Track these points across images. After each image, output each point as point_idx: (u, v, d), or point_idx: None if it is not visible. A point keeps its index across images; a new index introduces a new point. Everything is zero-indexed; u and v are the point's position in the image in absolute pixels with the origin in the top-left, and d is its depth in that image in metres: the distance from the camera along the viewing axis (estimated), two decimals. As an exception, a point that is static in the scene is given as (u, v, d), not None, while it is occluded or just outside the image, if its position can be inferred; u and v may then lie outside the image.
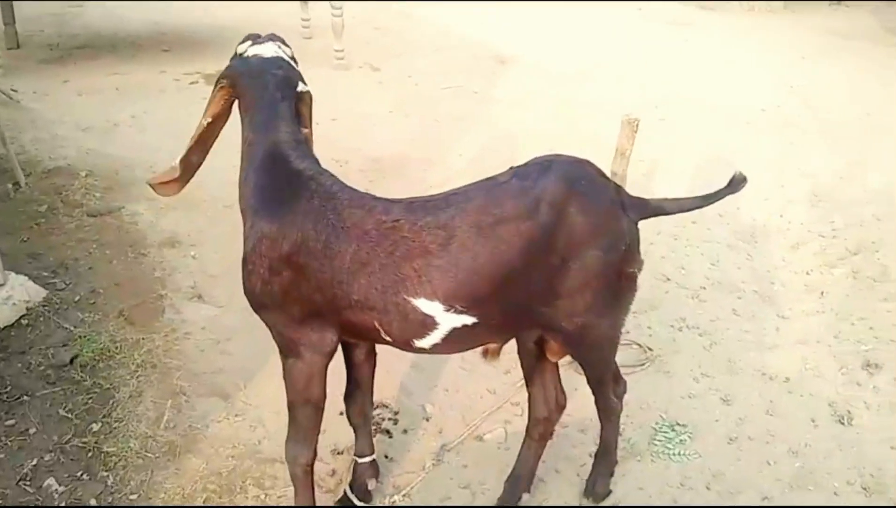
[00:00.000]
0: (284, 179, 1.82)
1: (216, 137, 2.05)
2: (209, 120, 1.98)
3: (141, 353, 2.62)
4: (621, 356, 2.71)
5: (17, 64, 5.29)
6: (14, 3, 5.56)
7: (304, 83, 1.97)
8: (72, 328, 2.72)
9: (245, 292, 1.83)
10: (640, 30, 7.56)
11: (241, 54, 2.02)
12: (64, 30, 6.32)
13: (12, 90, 4.60)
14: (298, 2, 6.25)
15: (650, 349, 2.78)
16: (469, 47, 6.38)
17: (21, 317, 2.74)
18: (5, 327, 2.70)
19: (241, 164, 1.95)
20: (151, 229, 3.38)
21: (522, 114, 5.02)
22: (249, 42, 2.02)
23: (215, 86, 1.96)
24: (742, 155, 4.47)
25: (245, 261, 1.80)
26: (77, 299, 2.87)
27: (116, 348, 2.63)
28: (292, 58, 2.03)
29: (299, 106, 1.96)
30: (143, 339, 2.69)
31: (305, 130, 1.98)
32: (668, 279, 3.27)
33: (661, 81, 5.78)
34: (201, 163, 2.10)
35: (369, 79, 5.55)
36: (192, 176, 2.11)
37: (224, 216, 3.55)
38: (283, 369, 1.86)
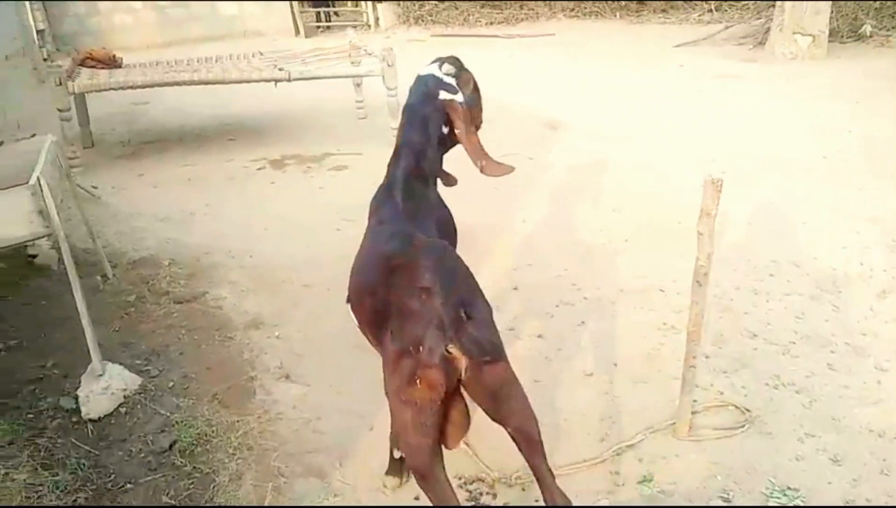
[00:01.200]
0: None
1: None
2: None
3: (237, 436, 2.65)
4: (719, 419, 2.66)
5: (93, 161, 5.58)
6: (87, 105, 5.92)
7: (450, 92, 2.41)
8: (168, 414, 2.78)
9: None
10: (687, 87, 7.62)
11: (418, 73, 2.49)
12: (133, 127, 6.68)
13: (93, 187, 4.84)
14: (353, 86, 6.49)
15: (748, 411, 2.70)
16: (520, 115, 6.50)
17: (119, 405, 2.82)
18: (106, 416, 2.78)
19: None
20: (235, 312, 3.47)
21: (578, 177, 5.07)
22: (436, 62, 2.49)
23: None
24: (809, 203, 4.42)
25: None
26: (171, 384, 2.94)
27: (213, 431, 2.67)
28: (450, 73, 2.44)
29: (447, 112, 2.40)
30: (237, 422, 2.73)
31: (456, 130, 2.41)
32: (755, 335, 3.20)
33: (714, 137, 5.78)
34: None
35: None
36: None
37: (303, 297, 3.63)
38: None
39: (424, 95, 2.42)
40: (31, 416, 2.75)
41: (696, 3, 12.54)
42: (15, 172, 3.12)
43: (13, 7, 8.95)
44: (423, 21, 12.66)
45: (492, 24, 12.59)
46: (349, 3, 13.53)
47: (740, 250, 3.88)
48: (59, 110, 5.00)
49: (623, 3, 12.82)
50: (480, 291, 2.00)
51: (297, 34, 12.31)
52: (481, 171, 2.44)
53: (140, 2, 11.45)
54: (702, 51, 9.57)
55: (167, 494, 2.45)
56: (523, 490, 2.42)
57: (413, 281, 1.83)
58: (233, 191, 4.93)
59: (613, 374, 2.98)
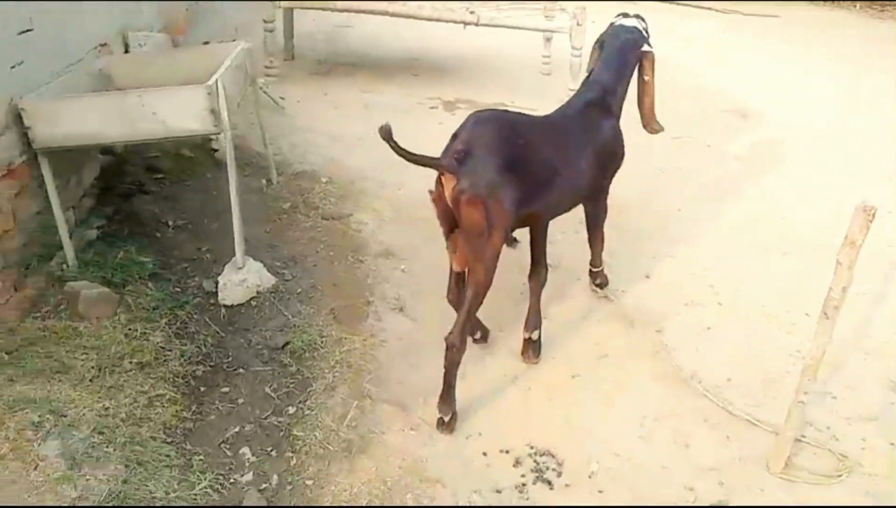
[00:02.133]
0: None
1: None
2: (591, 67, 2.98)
3: (342, 351, 2.85)
4: (822, 464, 2.46)
5: (289, 74, 6.00)
6: (294, 21, 6.32)
7: (650, 46, 2.91)
8: (289, 317, 3.03)
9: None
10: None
11: (612, 23, 2.99)
12: (332, 47, 7.06)
13: (280, 98, 5.23)
14: (543, 40, 6.40)
15: (845, 457, 2.48)
16: (712, 98, 6.12)
17: (251, 299, 3.11)
18: (238, 305, 3.09)
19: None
20: (372, 239, 3.67)
21: (754, 174, 4.73)
22: (620, 16, 3.00)
23: (595, 44, 3.00)
24: None
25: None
26: (299, 291, 3.19)
27: (322, 342, 2.89)
28: (645, 30, 2.94)
29: (643, 61, 2.90)
30: (345, 338, 2.92)
31: (646, 78, 2.90)
32: (896, 387, 2.89)
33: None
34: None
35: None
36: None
37: (437, 237, 3.72)
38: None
39: (630, 41, 2.89)
40: (177, 289, 3.11)
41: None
42: (206, 70, 3.46)
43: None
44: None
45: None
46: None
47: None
48: (265, 21, 5.40)
49: (868, -3, 11.44)
50: (496, 157, 2.43)
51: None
52: (643, 120, 3.02)
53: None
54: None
55: (270, 387, 2.70)
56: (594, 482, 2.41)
57: (457, 130, 2.57)
58: (402, 123, 4.94)
59: (724, 388, 2.83)
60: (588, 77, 2.92)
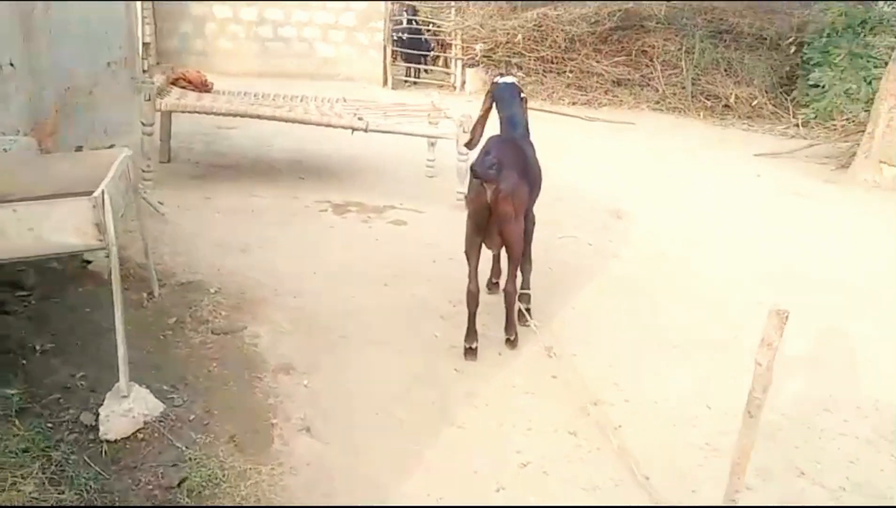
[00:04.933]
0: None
1: (484, 124, 4.05)
2: (482, 112, 4.09)
3: (247, 485, 2.58)
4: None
5: (166, 178, 5.73)
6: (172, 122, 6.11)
7: (522, 92, 4.14)
8: (184, 448, 2.72)
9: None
10: (760, 200, 7.42)
11: (495, 81, 4.15)
12: (212, 148, 6.87)
13: (159, 203, 4.96)
14: (427, 145, 6.54)
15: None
16: (587, 198, 6.43)
17: (137, 430, 2.79)
18: (122, 439, 2.75)
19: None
20: (270, 353, 3.44)
21: (635, 272, 4.94)
22: (499, 75, 4.26)
23: (486, 94, 4.12)
24: (877, 339, 4.18)
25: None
26: (192, 417, 2.90)
27: (224, 476, 2.60)
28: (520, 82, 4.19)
29: (523, 104, 4.06)
30: (250, 469, 2.65)
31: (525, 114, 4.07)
32: (803, 474, 2.98)
33: (781, 255, 5.56)
34: (480, 137, 3.99)
35: (488, 222, 5.65)
36: (476, 143, 3.96)
37: (339, 348, 3.59)
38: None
39: (517, 91, 4.07)
40: (50, 425, 2.74)
41: (783, 115, 12.36)
42: (84, 180, 3.21)
43: (125, 16, 9.42)
44: (507, 90, 12.80)
45: (574, 104, 12.63)
46: (440, 64, 13.86)
47: (796, 378, 3.67)
48: (143, 124, 5.17)
49: (710, 104, 12.73)
50: (526, 170, 3.64)
51: (384, 84, 12.60)
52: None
53: (243, 31, 11.95)
54: (782, 164, 9.35)
55: (164, 532, 2.38)
56: None
57: (485, 147, 3.59)
58: (292, 229, 4.97)
59: (644, 486, 2.81)
60: (506, 118, 3.98)
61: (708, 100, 12.77)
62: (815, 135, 11.30)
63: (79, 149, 4.63)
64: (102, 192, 2.69)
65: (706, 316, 4.33)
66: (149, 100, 5.12)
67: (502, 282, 4.04)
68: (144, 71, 9.95)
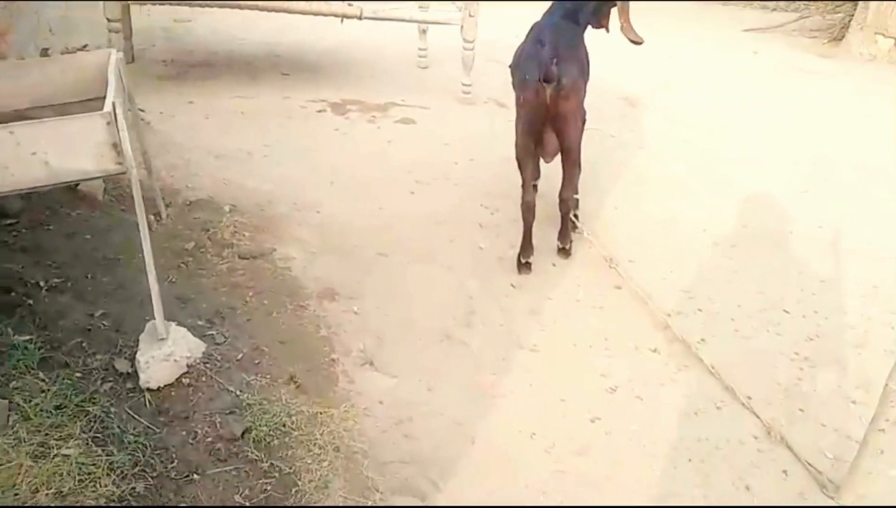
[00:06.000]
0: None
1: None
2: None
3: (321, 432, 2.28)
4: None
5: (137, 81, 5.04)
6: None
7: None
8: (237, 393, 2.39)
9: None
10: (765, 77, 7.12)
11: None
12: (175, 45, 6.13)
13: (140, 109, 4.36)
14: (418, 32, 5.95)
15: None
16: (597, 87, 5.99)
17: (182, 375, 2.43)
18: (166, 386, 2.39)
19: None
20: (306, 277, 3.06)
21: (668, 164, 4.64)
22: None
23: None
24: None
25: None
26: (239, 356, 2.55)
27: (293, 423, 2.29)
28: None
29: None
30: (320, 414, 2.35)
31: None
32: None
33: (805, 136, 5.33)
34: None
35: (499, 116, 5.21)
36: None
37: (379, 266, 3.24)
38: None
39: None
40: (79, 376, 2.36)
41: (762, -14, 11.91)
42: (73, 89, 2.69)
43: None
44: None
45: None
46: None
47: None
48: (109, 20, 4.49)
49: (685, -23, 12.17)
50: (579, 58, 3.24)
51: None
52: (620, 29, 3.49)
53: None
54: (773, 39, 9.04)
55: (240, 493, 2.08)
56: None
57: (537, 37, 3.12)
58: (293, 133, 4.47)
59: (749, 408, 2.60)
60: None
61: None
62: (797, 6, 10.99)
63: (45, 51, 3.97)
64: (114, 105, 2.20)
65: (754, 208, 4.08)
66: (112, -11, 4.42)
67: (539, 185, 3.70)
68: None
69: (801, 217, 4.01)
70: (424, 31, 6.04)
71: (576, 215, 3.64)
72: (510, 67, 3.31)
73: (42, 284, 2.76)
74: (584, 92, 3.32)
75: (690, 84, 6.52)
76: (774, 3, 11.45)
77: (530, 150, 3.21)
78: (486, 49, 6.01)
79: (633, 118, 5.47)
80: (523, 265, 3.28)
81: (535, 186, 3.85)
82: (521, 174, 3.23)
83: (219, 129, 4.38)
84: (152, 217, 3.26)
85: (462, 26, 5.06)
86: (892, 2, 8.15)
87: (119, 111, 2.24)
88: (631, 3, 3.50)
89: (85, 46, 4.24)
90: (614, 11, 3.55)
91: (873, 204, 4.25)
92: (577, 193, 3.67)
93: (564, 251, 3.43)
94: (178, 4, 4.73)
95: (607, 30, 3.57)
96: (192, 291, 2.87)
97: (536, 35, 3.16)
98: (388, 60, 6.21)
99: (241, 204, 3.49)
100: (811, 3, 10.89)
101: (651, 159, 4.73)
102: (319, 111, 4.89)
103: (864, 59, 8.15)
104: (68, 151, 2.18)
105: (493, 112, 5.27)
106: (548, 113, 3.05)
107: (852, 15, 8.57)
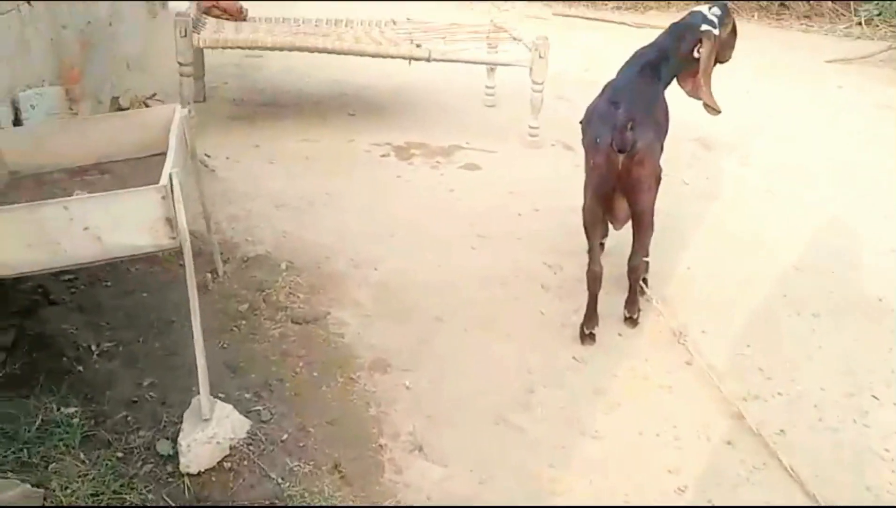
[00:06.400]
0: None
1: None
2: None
3: (362, 530, 2.15)
4: None
5: (207, 120, 5.11)
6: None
7: (710, 26, 3.16)
8: (279, 481, 2.29)
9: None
10: (851, 117, 6.67)
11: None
12: (246, 83, 6.20)
13: (206, 155, 4.39)
14: (486, 71, 5.83)
15: None
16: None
17: (224, 458, 2.35)
18: (207, 470, 2.32)
19: None
20: (360, 344, 2.96)
21: (749, 217, 4.35)
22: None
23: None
24: None
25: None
26: (284, 437, 2.45)
27: (334, 518, 2.18)
28: (717, 16, 3.21)
29: (700, 39, 3.16)
30: (363, 510, 2.22)
31: (701, 52, 3.17)
32: None
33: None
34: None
35: (566, 160, 5.01)
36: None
37: (435, 333, 3.10)
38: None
39: (690, 22, 3.20)
40: (119, 456, 2.30)
41: (844, 13, 11.37)
42: (134, 145, 2.70)
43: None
44: (545, -3, 11.80)
45: (619, 9, 11.66)
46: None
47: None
48: (181, 64, 4.54)
49: (764, 3, 11.73)
50: (656, 119, 3.03)
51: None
52: (696, 92, 3.27)
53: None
54: (859, 71, 8.54)
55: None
56: None
57: (612, 96, 2.93)
58: (355, 179, 4.40)
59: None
60: (650, 47, 3.24)
61: None
62: (882, 34, 10.42)
63: (115, 100, 4.04)
64: (171, 177, 2.15)
65: (840, 271, 3.77)
66: (185, 36, 4.47)
67: (606, 243, 3.51)
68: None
69: (893, 283, 3.67)
70: (493, 70, 5.92)
71: (644, 280, 3.42)
72: (581, 123, 3.14)
73: (94, 348, 2.76)
74: (661, 151, 3.14)
75: (770, 123, 6.16)
76: (860, 29, 10.92)
77: (599, 215, 3.04)
78: (552, 85, 5.83)
79: (708, 163, 5.18)
80: (587, 336, 3.08)
81: (602, 245, 3.65)
82: (588, 241, 3.05)
83: (282, 175, 4.35)
84: (209, 275, 3.23)
85: (531, 68, 4.91)
86: None
87: (176, 183, 2.19)
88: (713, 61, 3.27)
89: (154, 95, 4.30)
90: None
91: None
92: (647, 255, 3.46)
93: (632, 321, 3.22)
94: (251, 47, 4.75)
95: (692, 88, 3.29)
96: (242, 358, 2.81)
97: (611, 93, 2.98)
98: (455, 99, 6.10)
99: (299, 260, 3.43)
100: (890, 28, 10.34)
101: (727, 210, 4.45)
102: (383, 155, 4.81)
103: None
104: (121, 227, 2.16)
105: (560, 155, 5.08)
106: (619, 179, 2.88)
107: (952, 46, 8.02)
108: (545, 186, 4.47)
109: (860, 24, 10.98)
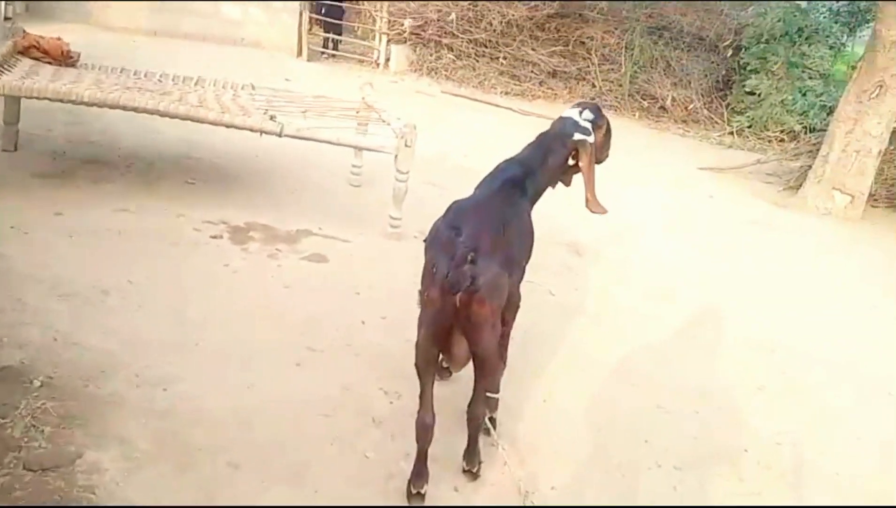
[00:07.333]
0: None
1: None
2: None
3: None
4: None
5: (7, 176, 4.33)
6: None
7: (583, 134, 2.94)
8: None
9: None
10: (720, 228, 6.73)
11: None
12: (78, 132, 5.42)
13: (-15, 223, 3.60)
14: (353, 150, 5.35)
15: None
16: (538, 230, 5.39)
17: None
18: None
19: None
20: (116, 501, 2.25)
21: (616, 334, 4.02)
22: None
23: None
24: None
25: None
26: None
27: None
28: (587, 119, 2.97)
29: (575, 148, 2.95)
30: None
31: (573, 164, 2.99)
32: None
33: (765, 309, 4.81)
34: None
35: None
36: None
37: (225, 485, 2.45)
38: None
39: (561, 131, 2.96)
40: None
41: (718, 122, 11.99)
42: None
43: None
44: (436, 74, 11.71)
45: (507, 94, 11.74)
46: (360, 36, 12.53)
47: None
48: (-29, 108, 3.76)
49: (646, 104, 12.20)
50: (509, 246, 2.56)
51: (298, 55, 11.27)
52: (586, 203, 3.03)
53: (135, -18, 10.21)
54: (730, 180, 8.82)
55: None
56: None
57: (453, 221, 2.49)
58: (170, 266, 3.72)
59: None
60: (516, 158, 2.96)
61: (644, 100, 12.33)
62: (752, 147, 10.98)
63: None
64: None
65: (709, 416, 3.44)
66: (-22, 76, 3.71)
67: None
68: (7, 18, 8.23)
69: (758, 428, 3.39)
70: (361, 151, 5.45)
71: (492, 419, 2.93)
72: (424, 241, 2.65)
73: None
74: (522, 275, 2.84)
75: (643, 230, 6.05)
76: (731, 138, 11.46)
77: (434, 355, 2.53)
78: (425, 169, 5.43)
79: (577, 272, 4.89)
80: (414, 496, 2.53)
81: (447, 369, 3.14)
82: (420, 384, 2.53)
83: (78, 256, 3.60)
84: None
85: (396, 156, 4.46)
86: (851, 158, 8.00)
87: None
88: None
89: None
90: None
91: (836, 413, 3.67)
92: (495, 391, 2.98)
93: (471, 474, 2.70)
94: (62, 100, 4.03)
95: (567, 185, 3.13)
96: (-63, 525, 2.04)
97: (453, 216, 2.54)
98: (318, 174, 5.59)
99: (63, 375, 2.69)
100: (769, 145, 10.92)
101: (592, 328, 4.11)
102: (214, 237, 4.16)
103: (819, 213, 7.88)
104: None
105: (421, 251, 4.54)
106: (456, 317, 2.39)
107: (810, 165, 8.37)
108: (398, 289, 3.95)
109: (732, 133, 11.60)
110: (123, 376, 2.79)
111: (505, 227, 2.58)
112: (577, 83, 12.21)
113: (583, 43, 12.26)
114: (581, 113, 2.97)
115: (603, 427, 3.19)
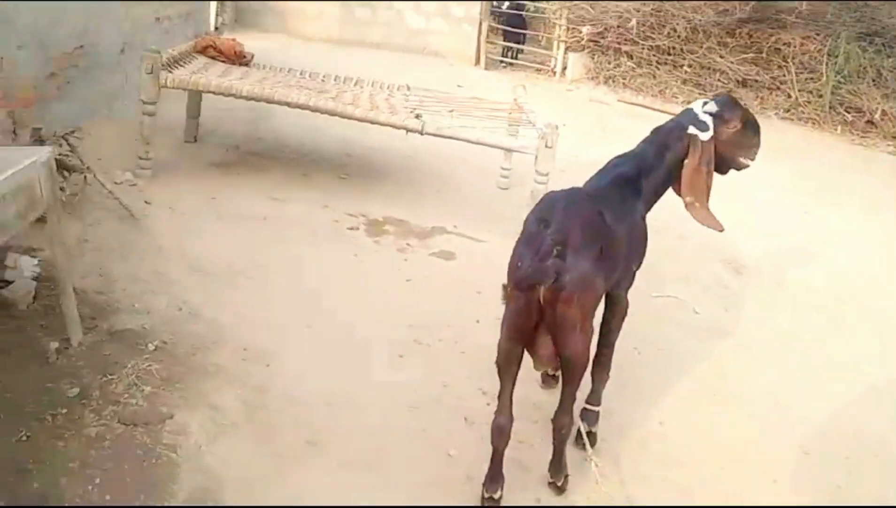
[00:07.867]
0: None
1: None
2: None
3: None
4: None
5: (181, 165, 4.74)
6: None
7: (699, 128, 2.60)
8: None
9: None
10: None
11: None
12: (250, 129, 5.83)
13: (146, 202, 3.95)
14: (503, 152, 5.27)
15: None
16: (691, 240, 4.94)
17: None
18: None
19: None
20: (190, 465, 2.31)
21: (762, 364, 3.56)
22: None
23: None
24: None
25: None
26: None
27: None
28: (709, 112, 2.62)
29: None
30: None
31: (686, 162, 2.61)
32: None
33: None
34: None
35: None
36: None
37: (299, 462, 2.45)
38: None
39: (677, 124, 2.67)
40: None
41: (941, 139, 10.40)
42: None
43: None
44: (613, 82, 11.29)
45: (689, 102, 11.00)
46: (545, 45, 12.44)
47: None
48: (143, 102, 4.15)
49: (850, 118, 10.83)
50: (610, 245, 2.36)
51: (476, 63, 11.43)
52: (686, 207, 2.65)
53: (329, -5, 10.90)
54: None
55: None
56: None
57: (542, 212, 2.34)
58: (303, 252, 3.86)
59: None
60: (630, 155, 2.71)
61: (848, 113, 10.86)
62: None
63: (36, 131, 3.65)
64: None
65: (860, 464, 2.92)
66: (151, 73, 4.09)
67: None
68: (216, 28, 9.15)
69: None
70: (510, 153, 5.35)
71: (591, 434, 2.69)
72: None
73: None
74: (632, 281, 2.68)
75: (822, 254, 5.30)
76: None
77: (516, 355, 2.34)
78: (578, 174, 5.16)
79: (732, 291, 4.41)
80: (487, 500, 2.37)
81: (553, 376, 2.95)
82: (501, 383, 2.37)
83: (222, 236, 3.85)
84: (57, 345, 2.69)
85: (536, 156, 4.31)
86: None
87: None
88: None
89: (73, 132, 3.91)
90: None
91: None
92: (596, 403, 2.74)
93: (556, 487, 2.49)
94: (224, 94, 4.33)
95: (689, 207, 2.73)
96: (37, 458, 2.22)
97: (543, 208, 2.38)
98: (465, 175, 5.56)
99: (175, 342, 2.86)
100: None
101: (737, 353, 3.67)
102: (351, 228, 4.26)
103: None
104: None
105: (557, 257, 4.41)
106: (541, 315, 2.23)
107: None
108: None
109: (960, 150, 10.05)
110: (231, 348, 2.91)
111: (609, 225, 2.38)
112: (770, 93, 11.16)
113: (778, 50, 11.20)
114: (704, 105, 2.66)
115: (726, 464, 2.81)
